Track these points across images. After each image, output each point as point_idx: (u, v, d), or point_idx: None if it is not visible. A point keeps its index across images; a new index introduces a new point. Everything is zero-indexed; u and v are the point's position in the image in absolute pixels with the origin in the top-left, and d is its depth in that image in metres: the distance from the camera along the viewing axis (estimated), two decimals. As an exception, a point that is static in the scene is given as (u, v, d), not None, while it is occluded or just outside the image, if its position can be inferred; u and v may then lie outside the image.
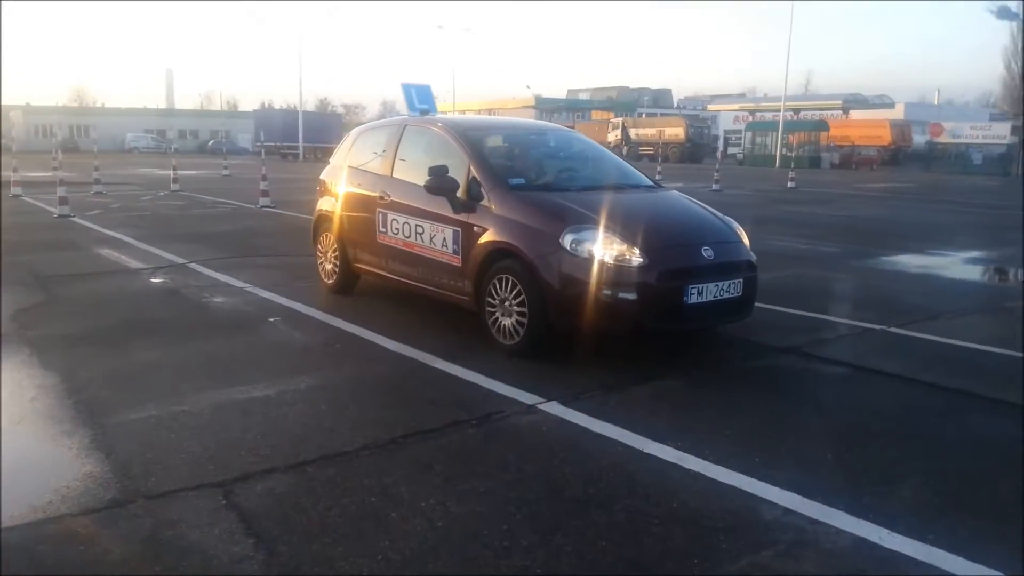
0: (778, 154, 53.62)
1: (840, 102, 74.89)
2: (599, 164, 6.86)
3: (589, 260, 4.95)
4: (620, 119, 69.18)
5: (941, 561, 2.90)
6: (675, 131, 62.42)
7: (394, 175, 6.55)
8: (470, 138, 6.13)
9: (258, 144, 64.26)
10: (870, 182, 33.83)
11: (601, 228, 5.07)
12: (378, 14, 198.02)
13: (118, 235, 11.61)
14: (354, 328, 6.19)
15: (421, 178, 5.92)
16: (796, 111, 65.17)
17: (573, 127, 64.03)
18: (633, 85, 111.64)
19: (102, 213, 14.72)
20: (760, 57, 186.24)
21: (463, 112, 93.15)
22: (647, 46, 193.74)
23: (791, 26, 61.50)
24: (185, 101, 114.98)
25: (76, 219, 13.65)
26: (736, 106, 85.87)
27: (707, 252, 5.20)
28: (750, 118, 77.09)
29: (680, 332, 5.65)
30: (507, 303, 5.30)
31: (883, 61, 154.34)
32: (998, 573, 2.82)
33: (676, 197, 6.28)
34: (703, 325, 5.54)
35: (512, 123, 8.32)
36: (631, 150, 64.68)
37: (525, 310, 5.16)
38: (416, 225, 6.11)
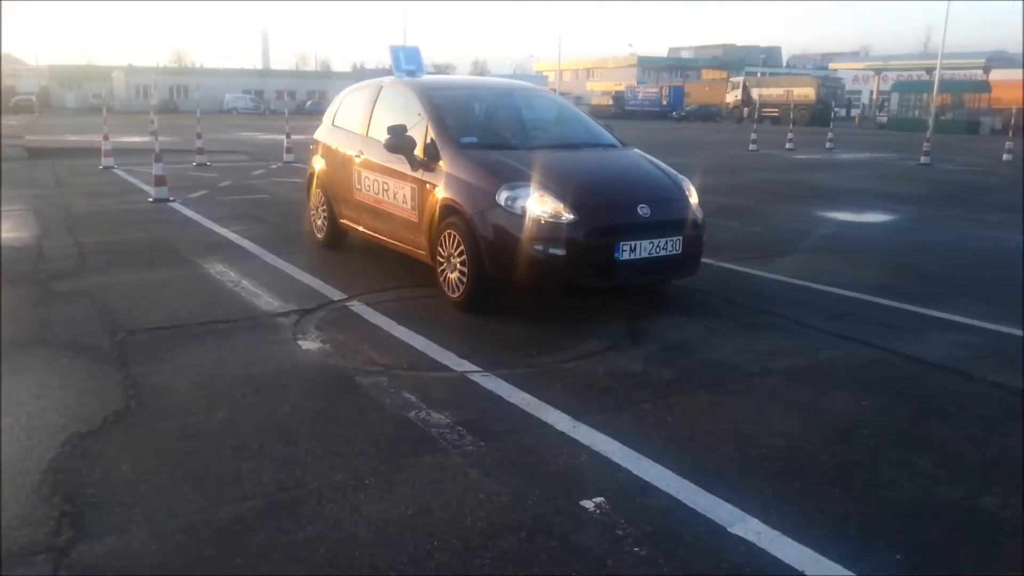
0: (933, 118, 47.42)
1: (983, 61, 67.36)
2: (562, 124, 6.92)
3: (522, 216, 5.07)
4: (741, 78, 63.69)
5: None
6: (804, 91, 56.70)
7: (369, 134, 6.71)
8: (432, 98, 6.24)
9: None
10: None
11: (535, 185, 5.17)
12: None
13: (233, 236, 8.31)
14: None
15: None
16: (928, 71, 58.66)
17: (682, 87, 59.08)
18: (739, 43, 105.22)
19: (208, 196, 11.55)
20: (874, 13, 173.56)
21: (560, 72, 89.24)
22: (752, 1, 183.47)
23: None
24: (280, 62, 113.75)
25: (176, 205, 10.50)
26: (862, 64, 79.13)
27: (643, 210, 5.22)
28: (874, 78, 70.73)
29: (613, 288, 5.69)
30: (452, 258, 5.47)
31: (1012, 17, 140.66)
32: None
33: (629, 156, 6.23)
34: (637, 282, 5.63)
35: (480, 83, 8.32)
36: (752, 112, 59.37)
37: (467, 266, 5.29)
38: (383, 182, 6.35)
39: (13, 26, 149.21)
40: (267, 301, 5.79)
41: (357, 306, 5.68)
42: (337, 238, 7.57)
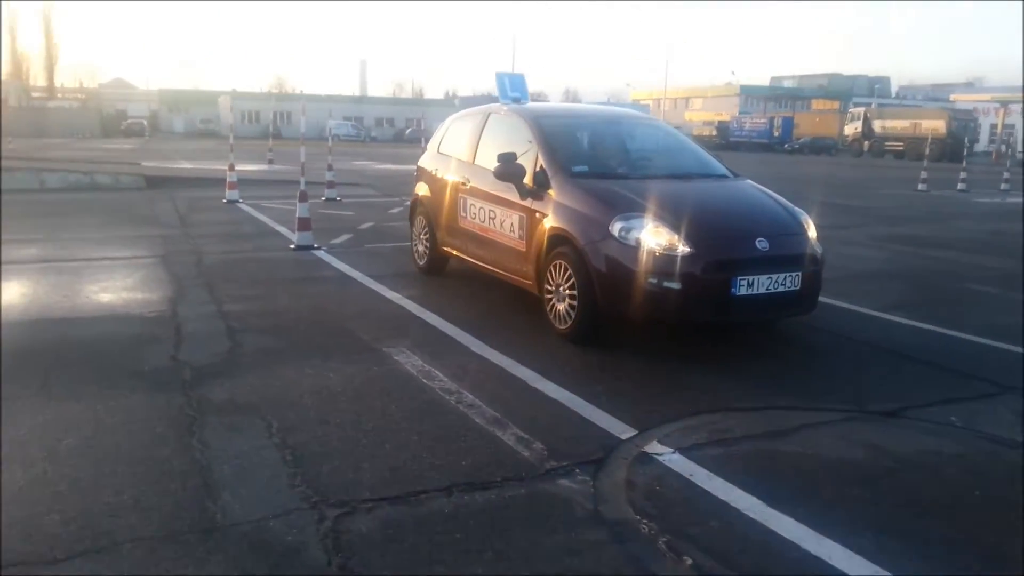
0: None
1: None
2: (673, 153, 6.71)
3: (636, 248, 4.93)
4: (862, 109, 60.15)
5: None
6: (934, 124, 52.70)
7: (476, 162, 6.63)
8: (542, 126, 6.11)
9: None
10: None
11: (650, 216, 5.03)
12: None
13: (411, 306, 6.50)
14: None
15: None
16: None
17: (792, 117, 55.97)
18: (844, 72, 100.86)
19: (355, 241, 9.84)
20: (988, 43, 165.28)
21: (659, 100, 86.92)
22: (856, 30, 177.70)
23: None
24: (375, 89, 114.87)
25: (323, 254, 8.79)
26: (987, 96, 74.44)
27: (761, 243, 5.03)
28: (1000, 110, 66.31)
29: (728, 324, 5.47)
30: (561, 288, 5.33)
31: None
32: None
33: (744, 187, 6.01)
34: (754, 318, 5.42)
35: (589, 110, 8.18)
36: (873, 145, 55.77)
37: (576, 296, 5.14)
38: (490, 210, 6.24)
39: (126, 52, 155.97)
40: (518, 435, 3.81)
41: (666, 454, 3.65)
42: (438, 265, 7.45)
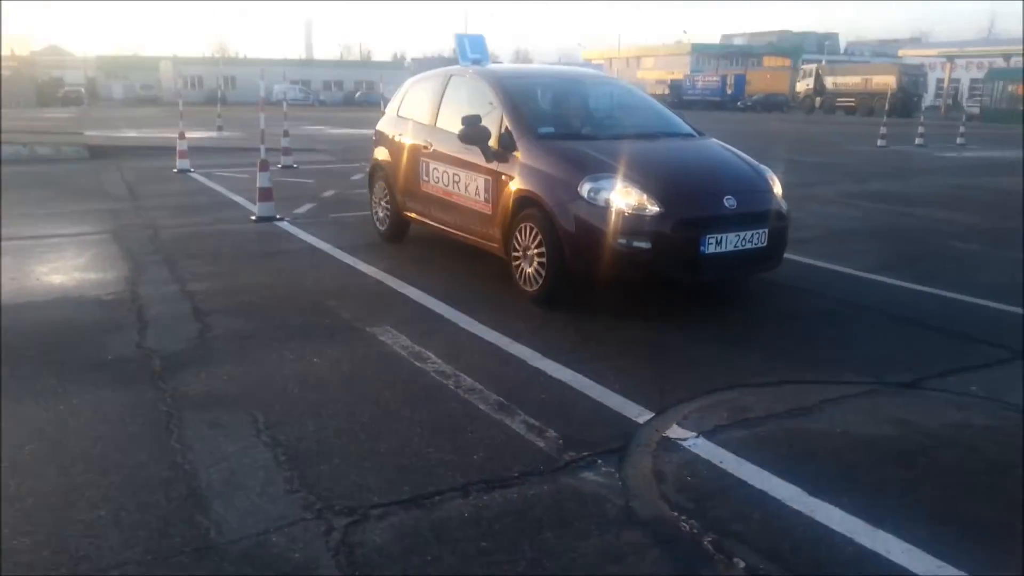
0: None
1: (1066, 45, 63.40)
2: (637, 112, 6.64)
3: (606, 209, 4.89)
4: (814, 66, 60.43)
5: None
6: (885, 79, 53.31)
7: (438, 125, 6.50)
8: (506, 87, 6.00)
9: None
10: None
11: (619, 177, 5.00)
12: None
13: (390, 280, 6.14)
14: None
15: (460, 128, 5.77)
16: (1005, 57, 55.12)
17: (744, 75, 56.09)
18: (793, 29, 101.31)
19: (319, 211, 9.38)
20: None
21: (610, 60, 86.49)
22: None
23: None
24: (322, 52, 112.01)
25: (287, 226, 8.33)
26: (934, 51, 75.32)
27: (729, 201, 5.02)
28: (946, 65, 67.35)
29: (698, 282, 5.40)
30: (529, 251, 5.28)
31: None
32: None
33: (709, 145, 5.99)
34: (723, 276, 5.43)
35: (550, 71, 7.92)
36: (825, 102, 56.23)
37: (545, 258, 5.09)
38: (453, 174, 6.11)
39: (59, 18, 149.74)
40: (528, 423, 3.54)
41: (690, 438, 3.41)
42: (400, 231, 7.31)
